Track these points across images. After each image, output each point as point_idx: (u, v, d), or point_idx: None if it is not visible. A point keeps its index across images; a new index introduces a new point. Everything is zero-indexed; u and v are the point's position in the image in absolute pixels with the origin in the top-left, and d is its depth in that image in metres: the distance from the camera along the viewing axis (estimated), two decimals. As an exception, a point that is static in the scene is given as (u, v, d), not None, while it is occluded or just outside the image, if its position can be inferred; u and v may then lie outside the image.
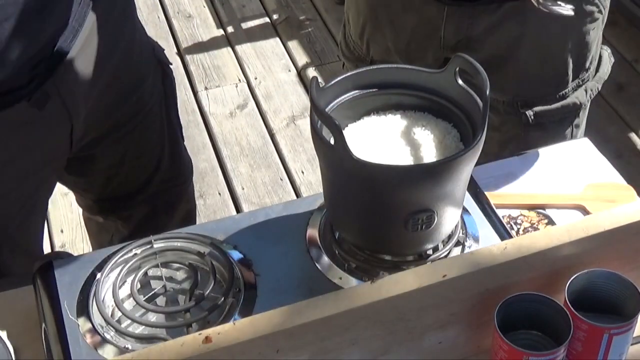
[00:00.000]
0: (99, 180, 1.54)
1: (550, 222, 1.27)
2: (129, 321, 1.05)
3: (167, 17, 3.33)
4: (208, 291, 1.06)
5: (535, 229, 1.25)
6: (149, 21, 3.28)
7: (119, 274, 1.08)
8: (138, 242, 1.13)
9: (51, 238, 2.47)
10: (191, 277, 1.09)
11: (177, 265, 1.13)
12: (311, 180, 2.64)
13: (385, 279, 0.95)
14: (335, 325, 0.93)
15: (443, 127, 1.08)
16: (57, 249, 2.42)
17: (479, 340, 1.04)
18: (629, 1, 3.18)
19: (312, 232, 1.15)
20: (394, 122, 1.09)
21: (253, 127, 2.84)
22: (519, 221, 1.27)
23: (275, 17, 3.32)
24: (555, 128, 1.52)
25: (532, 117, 1.48)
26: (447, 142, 1.06)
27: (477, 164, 1.05)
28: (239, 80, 3.03)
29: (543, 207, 1.29)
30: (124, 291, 1.09)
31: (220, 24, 3.30)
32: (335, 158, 1.01)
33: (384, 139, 1.06)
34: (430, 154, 1.04)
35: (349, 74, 1.09)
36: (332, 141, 1.00)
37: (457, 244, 1.13)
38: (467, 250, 1.12)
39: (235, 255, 1.11)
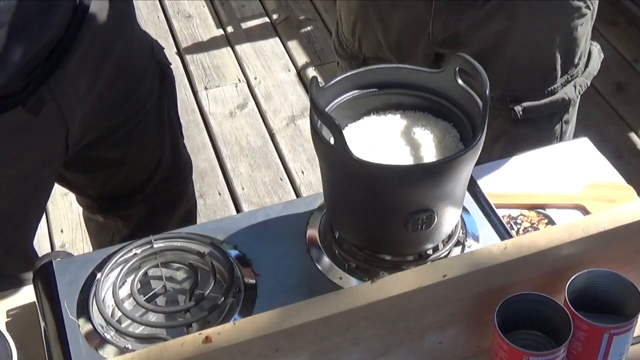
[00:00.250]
0: (99, 180, 1.54)
1: (550, 222, 1.27)
2: (129, 321, 1.05)
3: (167, 17, 3.33)
4: (208, 291, 1.06)
5: (535, 229, 1.25)
6: (148, 21, 3.28)
7: (119, 274, 1.08)
8: (138, 242, 1.13)
9: (51, 238, 2.47)
10: (191, 277, 1.09)
11: (177, 265, 1.13)
12: (311, 180, 2.64)
13: (385, 279, 0.95)
14: (335, 325, 0.93)
15: (443, 127, 1.08)
16: (57, 249, 2.42)
17: (479, 340, 1.04)
18: (629, 1, 3.18)
19: (312, 232, 1.15)
20: (394, 122, 1.09)
21: (253, 127, 2.84)
22: (519, 221, 1.27)
23: (275, 17, 3.32)
24: (544, 124, 1.53)
25: (521, 113, 1.49)
26: (447, 142, 1.06)
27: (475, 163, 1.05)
28: (239, 80, 3.03)
29: (543, 207, 1.29)
30: (124, 291, 1.09)
31: (220, 24, 3.30)
32: (335, 158, 1.01)
33: (384, 139, 1.06)
34: (430, 154, 1.04)
35: (349, 73, 1.09)
36: (332, 141, 1.00)
37: (457, 244, 1.13)
38: (467, 250, 1.12)
39: (235, 255, 1.11)
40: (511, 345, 0.94)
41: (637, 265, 1.05)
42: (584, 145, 1.40)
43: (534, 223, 1.26)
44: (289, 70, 3.06)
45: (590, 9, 1.47)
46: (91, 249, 1.94)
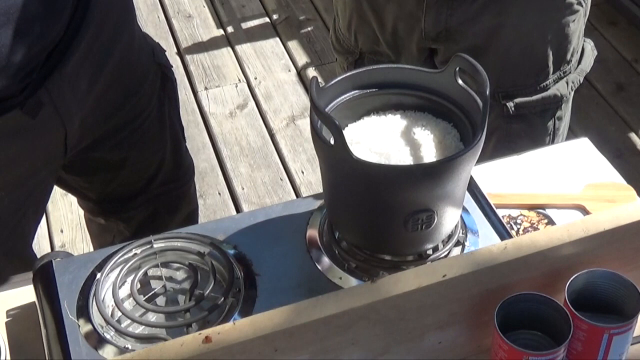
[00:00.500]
0: (99, 183, 1.54)
1: (550, 222, 1.27)
2: (129, 321, 1.05)
3: (167, 17, 3.33)
4: (208, 291, 1.06)
5: (535, 229, 1.25)
6: (149, 21, 3.28)
7: (119, 274, 1.08)
8: (138, 242, 1.13)
9: (51, 238, 2.47)
10: (191, 277, 1.09)
11: (177, 265, 1.13)
12: (311, 180, 2.64)
13: (385, 279, 0.95)
14: (335, 325, 0.93)
15: (443, 127, 1.08)
16: (57, 249, 2.42)
17: (479, 340, 1.04)
18: (629, 1, 3.18)
19: (312, 232, 1.15)
20: (394, 122, 1.09)
21: (253, 127, 2.84)
22: (519, 221, 1.27)
23: (275, 17, 3.32)
24: (536, 120, 1.54)
25: (513, 109, 1.50)
26: (447, 142, 1.06)
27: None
28: (239, 80, 3.03)
29: (543, 207, 1.29)
30: (124, 291, 1.09)
31: (220, 24, 3.30)
32: (335, 158, 1.01)
33: (384, 139, 1.06)
34: (430, 154, 1.04)
35: (349, 74, 1.10)
36: (332, 141, 1.00)
37: (457, 244, 1.13)
38: (467, 250, 1.12)
39: (235, 255, 1.11)
40: (511, 345, 0.94)
41: (637, 265, 1.05)
42: (584, 145, 1.40)
43: (534, 223, 1.26)
44: (289, 71, 3.06)
45: (582, 6, 1.48)
46: (92, 249, 1.94)
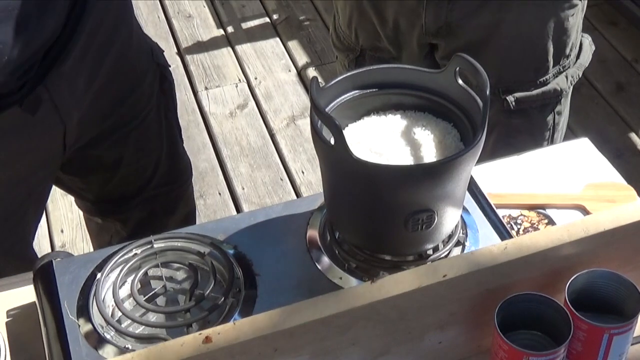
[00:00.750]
0: (96, 183, 1.54)
1: (550, 222, 1.27)
2: (129, 321, 1.05)
3: (167, 17, 3.33)
4: (208, 291, 1.06)
5: (535, 229, 1.25)
6: (149, 21, 3.28)
7: (119, 274, 1.08)
8: (138, 242, 1.13)
9: (51, 238, 2.47)
10: (191, 277, 1.09)
11: (177, 265, 1.13)
12: (311, 180, 2.64)
13: (385, 279, 0.95)
14: (335, 325, 0.93)
15: (443, 127, 1.08)
16: (57, 249, 2.42)
17: (479, 340, 1.04)
18: (629, 1, 3.18)
19: (312, 232, 1.15)
20: (394, 122, 1.09)
21: (253, 127, 2.84)
22: (519, 221, 1.27)
23: (275, 17, 3.32)
24: (536, 114, 1.54)
25: (514, 103, 1.50)
26: (447, 142, 1.06)
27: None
28: (239, 80, 3.03)
29: (543, 207, 1.29)
30: (124, 291, 1.09)
31: (220, 24, 3.30)
32: (335, 158, 1.01)
33: (384, 139, 1.06)
34: (430, 154, 1.04)
35: (349, 74, 1.09)
36: (332, 141, 1.00)
37: (457, 244, 1.13)
38: (467, 250, 1.12)
39: (236, 255, 1.11)
40: (511, 345, 0.94)
41: (637, 265, 1.05)
42: (584, 145, 1.40)
43: (534, 223, 1.26)
44: (289, 71, 3.06)
45: (581, 0, 1.48)
46: (91, 249, 1.94)
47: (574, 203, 1.29)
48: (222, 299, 1.05)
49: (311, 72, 3.02)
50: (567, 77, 1.53)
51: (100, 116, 1.40)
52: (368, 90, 1.10)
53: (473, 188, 1.19)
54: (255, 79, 3.03)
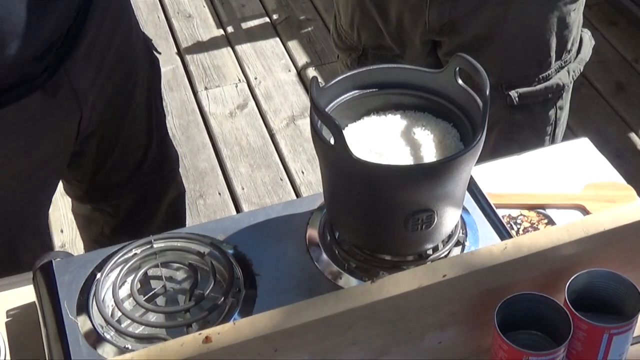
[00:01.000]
0: (90, 168, 1.56)
1: (550, 222, 1.27)
2: (129, 321, 1.05)
3: (167, 17, 3.33)
4: (208, 291, 1.06)
5: (535, 229, 1.25)
6: (149, 21, 3.28)
7: (119, 274, 1.08)
8: (138, 242, 1.13)
9: (51, 238, 2.47)
10: (191, 277, 1.09)
11: (177, 265, 1.13)
12: (311, 180, 2.64)
13: (385, 279, 0.95)
14: (335, 325, 0.93)
15: (443, 127, 1.08)
16: (57, 249, 2.42)
17: (479, 340, 1.04)
18: (629, 1, 3.18)
19: (312, 232, 1.15)
20: (394, 122, 1.09)
21: (253, 127, 2.84)
22: (519, 221, 1.27)
23: (275, 17, 3.32)
24: (539, 109, 1.55)
25: (517, 99, 1.51)
26: (447, 142, 1.06)
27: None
28: (239, 80, 3.03)
29: (543, 207, 1.29)
30: (124, 291, 1.09)
31: (220, 24, 3.29)
32: (335, 158, 1.01)
33: (384, 139, 1.06)
34: (430, 154, 1.04)
35: (349, 74, 1.09)
36: (332, 141, 1.00)
37: (457, 244, 1.13)
38: (467, 250, 1.12)
39: (235, 255, 1.11)
40: (511, 345, 0.94)
41: (637, 265, 1.05)
42: (584, 145, 1.40)
43: (534, 223, 1.26)
44: (289, 71, 3.06)
45: None
46: (82, 244, 1.94)
47: (574, 203, 1.29)
48: (222, 299, 1.05)
49: (311, 72, 3.02)
50: (568, 72, 1.54)
51: (105, 102, 1.43)
52: (368, 90, 1.10)
53: (473, 188, 1.19)
54: (255, 79, 3.03)
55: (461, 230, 1.14)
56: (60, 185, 1.59)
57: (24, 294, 1.13)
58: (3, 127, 1.25)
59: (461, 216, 1.13)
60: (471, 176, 1.13)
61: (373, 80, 1.10)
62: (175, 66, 3.04)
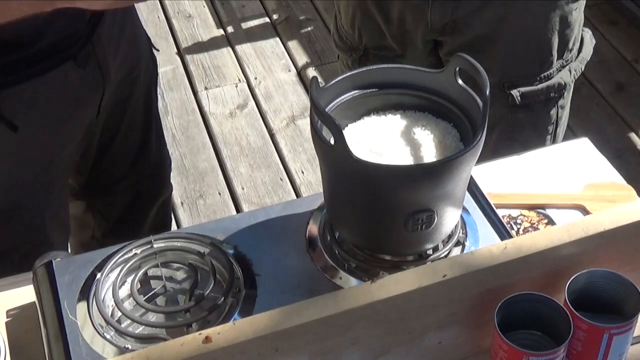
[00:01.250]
0: (92, 158, 1.57)
1: (550, 222, 1.27)
2: (129, 321, 1.05)
3: (167, 17, 3.33)
4: (208, 291, 1.06)
5: (535, 229, 1.25)
6: (149, 21, 3.28)
7: (119, 274, 1.08)
8: (138, 242, 1.13)
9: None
10: (191, 277, 1.09)
11: (177, 265, 1.13)
12: (311, 180, 2.64)
13: (385, 279, 0.95)
14: (335, 325, 0.93)
15: (443, 127, 1.08)
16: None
17: (479, 340, 1.04)
18: (629, 1, 3.18)
19: (312, 232, 1.15)
20: (394, 122, 1.09)
21: (253, 127, 2.84)
22: (519, 221, 1.27)
23: (275, 17, 3.32)
24: (540, 109, 1.55)
25: (519, 98, 1.51)
26: (447, 142, 1.06)
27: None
28: (239, 80, 3.03)
29: (543, 207, 1.29)
30: (124, 291, 1.09)
31: (220, 24, 3.30)
32: (335, 158, 1.01)
33: (384, 139, 1.06)
34: (430, 154, 1.04)
35: (349, 74, 1.10)
36: (332, 141, 1.00)
37: (457, 244, 1.13)
38: (467, 250, 1.12)
39: (235, 255, 1.11)
40: (511, 345, 0.94)
41: (637, 265, 1.05)
42: (584, 145, 1.40)
43: (534, 223, 1.26)
44: (289, 71, 3.06)
45: None
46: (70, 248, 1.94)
47: (574, 203, 1.29)
48: (222, 299, 1.05)
49: (311, 72, 3.02)
50: (570, 71, 1.54)
51: (114, 87, 1.45)
52: (368, 90, 1.10)
53: (473, 188, 1.19)
54: (255, 79, 3.03)
55: (461, 230, 1.14)
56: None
57: (24, 294, 1.13)
58: (39, 96, 1.29)
59: (461, 216, 1.13)
60: (471, 176, 1.13)
61: (373, 80, 1.10)
62: (175, 66, 3.04)
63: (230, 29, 3.27)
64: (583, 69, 1.58)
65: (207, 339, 0.89)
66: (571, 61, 1.54)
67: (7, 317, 1.12)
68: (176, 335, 0.94)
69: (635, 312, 0.96)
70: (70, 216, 1.73)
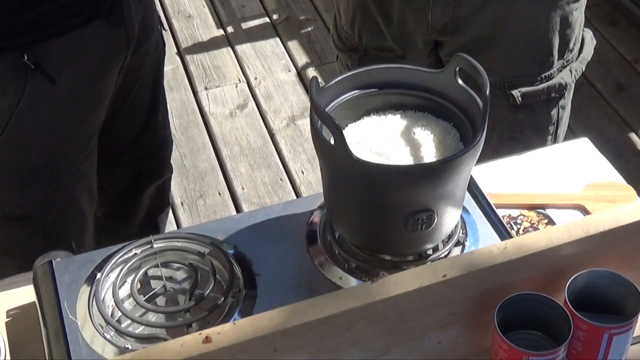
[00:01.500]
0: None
1: (550, 222, 1.27)
2: (129, 321, 1.05)
3: (167, 17, 3.33)
4: (208, 291, 1.06)
5: (535, 229, 1.25)
6: (149, 21, 3.28)
7: (119, 274, 1.08)
8: (138, 242, 1.13)
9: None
10: (191, 277, 1.09)
11: (177, 265, 1.13)
12: (311, 180, 2.64)
13: (385, 279, 0.95)
14: (335, 325, 0.93)
15: (443, 127, 1.08)
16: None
17: (479, 340, 1.04)
18: (629, 1, 3.18)
19: (312, 232, 1.15)
20: (394, 122, 1.09)
21: (253, 127, 2.84)
22: (519, 221, 1.27)
23: (275, 17, 3.32)
24: (541, 109, 1.55)
25: (520, 98, 1.51)
26: (447, 142, 1.06)
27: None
28: (239, 80, 3.03)
29: (543, 207, 1.29)
30: (124, 291, 1.09)
31: (220, 24, 3.29)
32: (335, 158, 1.01)
33: (384, 139, 1.06)
34: (430, 154, 1.04)
35: (349, 74, 1.10)
36: (332, 141, 1.00)
37: (457, 244, 1.13)
38: (467, 250, 1.12)
39: (235, 255, 1.11)
40: (511, 345, 0.94)
41: (637, 265, 1.05)
42: (584, 145, 1.40)
43: (534, 223, 1.26)
44: (289, 71, 3.06)
45: None
46: (92, 248, 1.94)
47: (574, 203, 1.29)
48: (222, 299, 1.05)
49: (311, 72, 3.02)
50: (571, 71, 1.54)
51: (131, 61, 1.48)
52: (368, 90, 1.10)
53: (473, 188, 1.19)
54: (255, 79, 3.02)
55: (461, 230, 1.14)
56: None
57: (24, 294, 1.13)
58: (72, 53, 1.34)
59: (461, 216, 1.13)
60: (471, 176, 1.13)
61: (373, 80, 1.10)
62: (175, 66, 3.04)
63: (230, 29, 3.27)
64: (584, 69, 1.58)
65: (207, 339, 0.89)
66: (572, 61, 1.54)
67: (7, 317, 1.12)
68: (176, 335, 0.94)
69: (635, 312, 0.96)
70: None
